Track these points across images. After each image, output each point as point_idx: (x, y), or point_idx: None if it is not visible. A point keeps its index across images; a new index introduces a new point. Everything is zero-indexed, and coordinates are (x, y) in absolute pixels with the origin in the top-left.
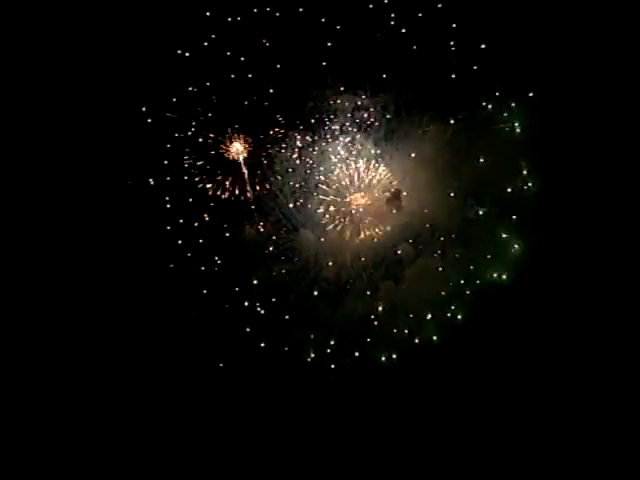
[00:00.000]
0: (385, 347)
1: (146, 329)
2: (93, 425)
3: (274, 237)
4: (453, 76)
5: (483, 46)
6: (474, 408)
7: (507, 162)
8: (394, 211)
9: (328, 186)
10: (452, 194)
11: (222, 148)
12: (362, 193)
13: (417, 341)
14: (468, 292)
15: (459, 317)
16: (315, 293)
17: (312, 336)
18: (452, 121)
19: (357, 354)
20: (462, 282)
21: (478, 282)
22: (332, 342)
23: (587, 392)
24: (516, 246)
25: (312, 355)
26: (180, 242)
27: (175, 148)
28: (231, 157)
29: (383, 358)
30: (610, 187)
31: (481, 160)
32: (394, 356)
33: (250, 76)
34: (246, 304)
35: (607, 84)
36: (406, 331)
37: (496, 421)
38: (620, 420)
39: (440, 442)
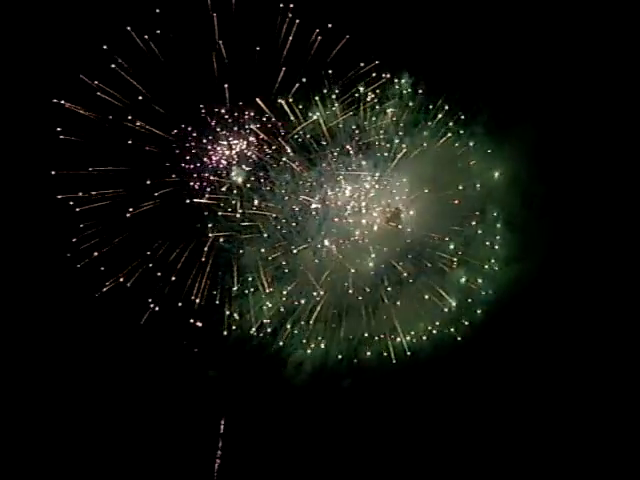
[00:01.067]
0: (384, 366)
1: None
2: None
3: (274, 259)
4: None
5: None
6: (474, 429)
7: (508, 181)
8: (394, 230)
9: (328, 207)
10: (452, 213)
11: (221, 171)
12: (362, 213)
13: (417, 360)
14: (468, 311)
15: (459, 338)
16: (315, 314)
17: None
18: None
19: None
20: (462, 301)
21: (479, 301)
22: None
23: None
24: (517, 264)
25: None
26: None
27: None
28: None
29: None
30: (617, 203)
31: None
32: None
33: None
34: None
35: (616, 98)
36: (408, 352)
37: (496, 436)
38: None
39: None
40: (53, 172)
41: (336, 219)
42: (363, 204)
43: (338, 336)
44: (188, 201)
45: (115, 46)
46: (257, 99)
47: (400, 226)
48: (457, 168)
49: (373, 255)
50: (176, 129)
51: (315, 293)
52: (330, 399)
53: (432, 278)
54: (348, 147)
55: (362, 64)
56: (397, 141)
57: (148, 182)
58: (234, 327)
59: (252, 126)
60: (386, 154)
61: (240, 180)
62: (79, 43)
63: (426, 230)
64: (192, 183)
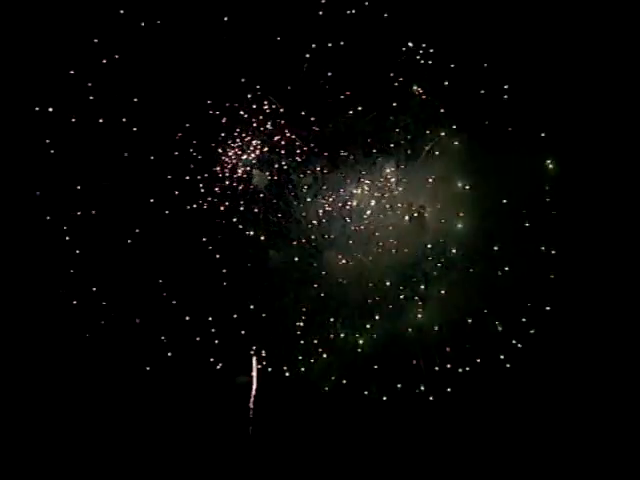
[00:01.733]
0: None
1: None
2: None
3: (298, 262)
4: (481, 91)
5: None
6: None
7: (532, 177)
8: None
9: (352, 208)
10: (476, 210)
11: (243, 175)
12: (386, 213)
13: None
14: (494, 310)
15: (507, 365)
16: (340, 317)
17: (334, 362)
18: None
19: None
20: (488, 300)
21: (504, 300)
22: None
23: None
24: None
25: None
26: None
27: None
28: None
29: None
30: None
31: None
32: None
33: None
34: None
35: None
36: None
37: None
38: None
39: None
40: (37, 193)
41: (359, 220)
42: (387, 204)
43: (365, 339)
44: (202, 215)
45: (108, 37)
46: (271, 96)
47: (428, 228)
48: (493, 161)
49: (397, 256)
50: (182, 132)
51: (340, 295)
52: (356, 405)
53: (465, 286)
54: (371, 145)
55: (407, 46)
56: (428, 132)
57: (152, 200)
58: (263, 364)
59: (272, 125)
60: (409, 151)
61: (262, 185)
62: (66, 38)
63: (456, 230)
64: (202, 197)
